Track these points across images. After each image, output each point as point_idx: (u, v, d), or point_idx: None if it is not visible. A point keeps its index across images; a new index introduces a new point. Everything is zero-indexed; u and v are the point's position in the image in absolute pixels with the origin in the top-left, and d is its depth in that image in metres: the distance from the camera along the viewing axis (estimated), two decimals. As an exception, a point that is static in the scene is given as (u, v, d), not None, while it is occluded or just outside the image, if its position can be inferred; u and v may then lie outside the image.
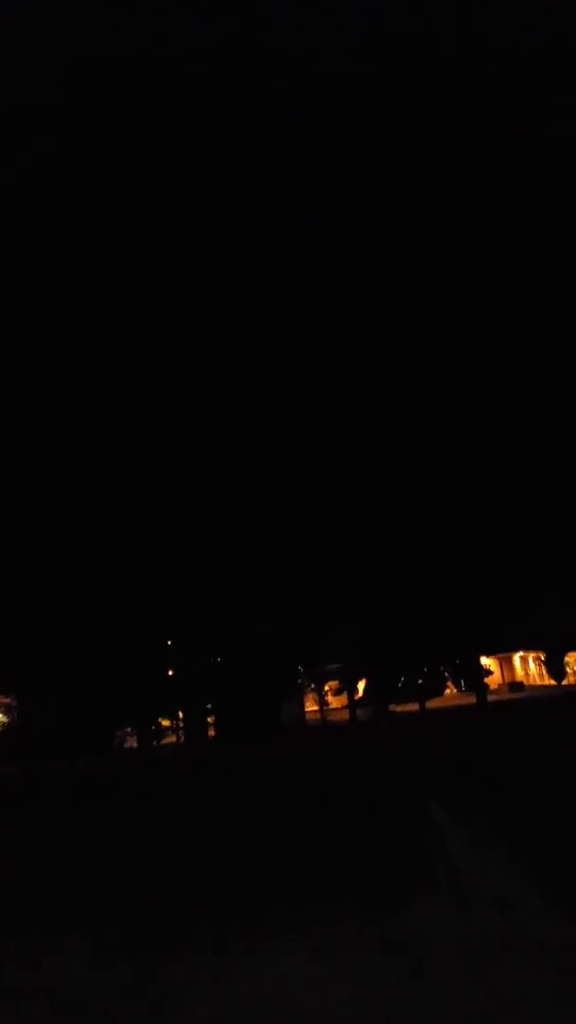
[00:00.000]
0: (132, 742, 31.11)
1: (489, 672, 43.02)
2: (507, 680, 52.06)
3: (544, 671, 50.72)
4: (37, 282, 19.42)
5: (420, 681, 36.57)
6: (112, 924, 7.86)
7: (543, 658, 50.33)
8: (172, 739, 34.06)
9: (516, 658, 53.27)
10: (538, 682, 52.21)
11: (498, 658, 51.94)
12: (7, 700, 36.39)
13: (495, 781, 13.12)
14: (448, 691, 41.65)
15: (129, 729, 31.28)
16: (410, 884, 7.77)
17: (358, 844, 10.33)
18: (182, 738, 31.09)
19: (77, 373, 20.08)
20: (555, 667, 48.55)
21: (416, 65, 19.88)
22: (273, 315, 20.58)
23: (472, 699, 37.73)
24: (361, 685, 40.52)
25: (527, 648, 51.24)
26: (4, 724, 40.31)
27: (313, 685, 43.96)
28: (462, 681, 39.71)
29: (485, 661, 46.25)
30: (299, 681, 42.90)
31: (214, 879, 9.32)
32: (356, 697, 38.85)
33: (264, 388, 21.62)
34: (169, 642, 28.45)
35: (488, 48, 20.06)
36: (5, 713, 42.31)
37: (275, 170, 19.98)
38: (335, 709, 44.95)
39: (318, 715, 44.42)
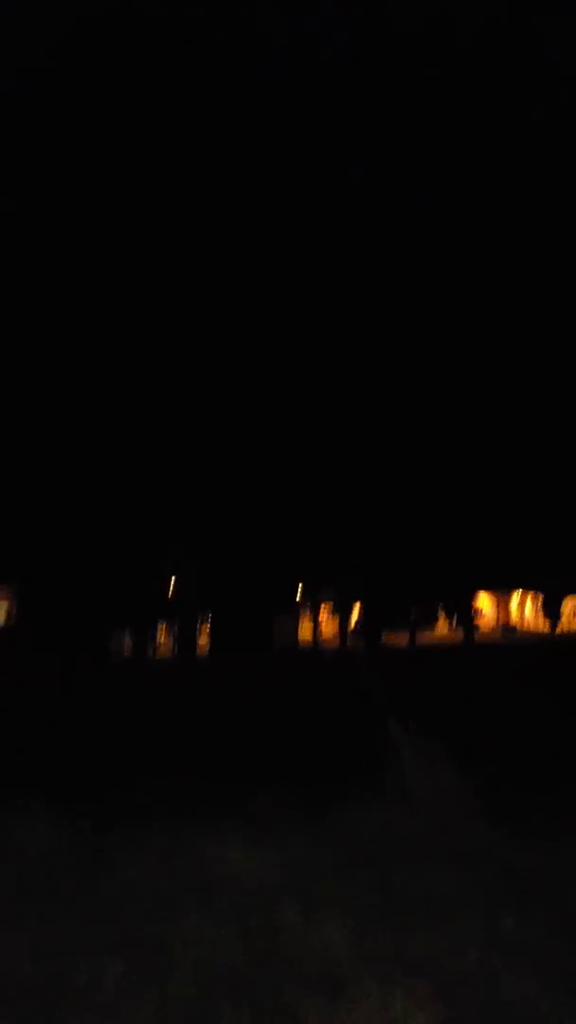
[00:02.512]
0: (127, 647, 31.96)
1: (480, 613, 43.58)
2: (502, 621, 52.67)
3: (540, 616, 51.23)
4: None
5: (413, 614, 37.18)
6: (77, 803, 8.39)
7: (540, 601, 50.77)
8: (166, 647, 35.00)
9: (513, 600, 53.76)
10: (532, 628, 52.81)
11: (495, 598, 52.44)
12: (7, 597, 37.32)
13: (460, 712, 13.61)
14: (440, 625, 42.38)
15: (125, 635, 32.11)
16: (361, 790, 8.23)
17: (318, 752, 10.85)
18: (175, 646, 31.93)
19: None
20: (551, 609, 48.83)
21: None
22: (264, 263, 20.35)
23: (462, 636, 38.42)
24: (355, 613, 41.26)
25: (525, 587, 51.48)
26: (2, 623, 41.39)
27: (308, 607, 44.74)
28: (455, 617, 40.36)
29: (481, 601, 46.84)
30: (295, 603, 43.70)
31: (175, 770, 9.86)
32: (349, 624, 39.62)
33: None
34: (167, 555, 28.98)
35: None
36: (6, 610, 43.42)
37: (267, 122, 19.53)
38: (327, 636, 45.83)
39: (311, 638, 45.31)
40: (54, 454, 22.05)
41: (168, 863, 6.36)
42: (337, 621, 42.15)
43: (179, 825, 7.30)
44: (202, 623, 35.06)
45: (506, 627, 50.58)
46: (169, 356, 21.12)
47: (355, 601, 39.56)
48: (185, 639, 27.38)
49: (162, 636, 35.86)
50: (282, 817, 7.56)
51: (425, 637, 39.62)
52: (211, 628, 39.29)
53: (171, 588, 30.41)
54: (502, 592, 51.10)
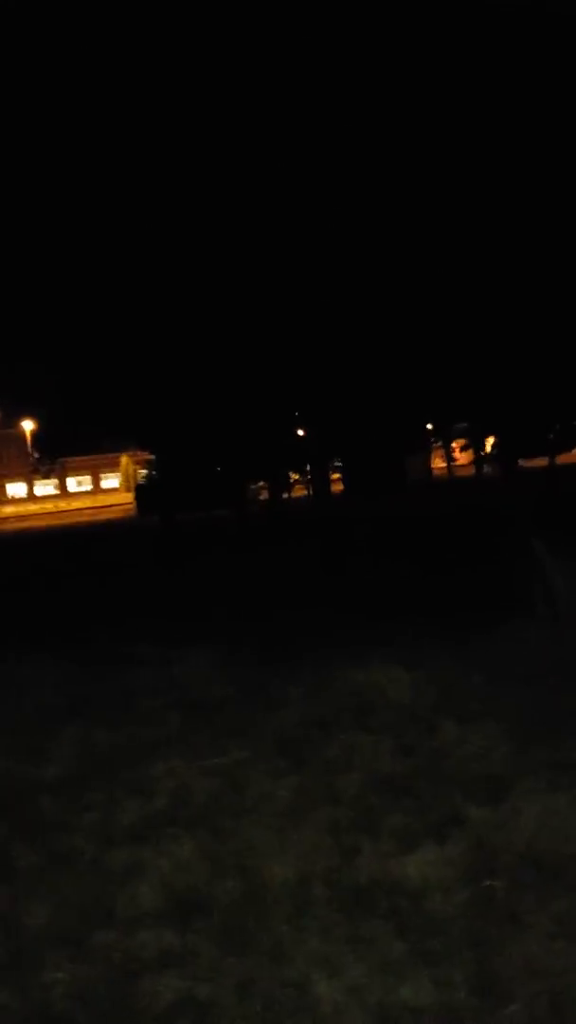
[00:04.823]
0: (265, 494, 32.63)
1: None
2: None
3: None
4: None
5: (551, 436, 35.92)
6: (232, 638, 8.79)
7: None
8: (302, 491, 35.55)
9: None
10: None
11: None
12: (149, 456, 38.51)
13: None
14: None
15: (261, 483, 32.74)
16: (509, 613, 8.22)
17: (464, 578, 10.89)
18: (309, 491, 32.34)
19: None
20: None
21: None
22: None
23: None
24: (489, 442, 40.33)
25: None
26: (145, 477, 43.00)
27: (440, 442, 44.15)
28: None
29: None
30: (429, 439, 43.17)
31: (321, 604, 10.14)
32: (483, 453, 38.88)
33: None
34: (296, 412, 29.01)
35: None
36: (147, 467, 45.00)
37: None
38: (463, 466, 45.24)
39: (445, 472, 44.96)
40: (180, 320, 21.93)
41: (323, 689, 6.60)
42: (471, 453, 41.46)
43: (329, 655, 7.53)
44: (334, 468, 35.30)
45: None
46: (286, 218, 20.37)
47: (488, 432, 38.58)
48: (318, 483, 27.63)
49: (296, 483, 36.39)
50: (432, 642, 7.68)
51: (565, 459, 38.47)
52: (343, 471, 39.50)
53: (301, 436, 30.54)
54: None
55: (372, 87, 18.65)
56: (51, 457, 35.39)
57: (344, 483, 39.30)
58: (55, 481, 68.42)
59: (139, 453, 50.32)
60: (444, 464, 45.58)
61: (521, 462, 35.25)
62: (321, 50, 18.48)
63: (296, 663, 7.45)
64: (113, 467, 78.99)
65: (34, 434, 47.17)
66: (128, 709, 6.51)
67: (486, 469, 38.67)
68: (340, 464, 38.88)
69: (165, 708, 6.46)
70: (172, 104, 18.91)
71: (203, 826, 4.39)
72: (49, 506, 65.67)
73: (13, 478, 79.34)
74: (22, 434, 63.55)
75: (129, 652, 8.37)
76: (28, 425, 54.36)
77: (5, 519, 54.42)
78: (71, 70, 18.76)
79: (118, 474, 78.37)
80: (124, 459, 73.56)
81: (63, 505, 65.84)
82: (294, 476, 34.89)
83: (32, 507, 66.94)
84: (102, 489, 80.00)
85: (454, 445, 44.61)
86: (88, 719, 6.27)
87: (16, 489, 79.72)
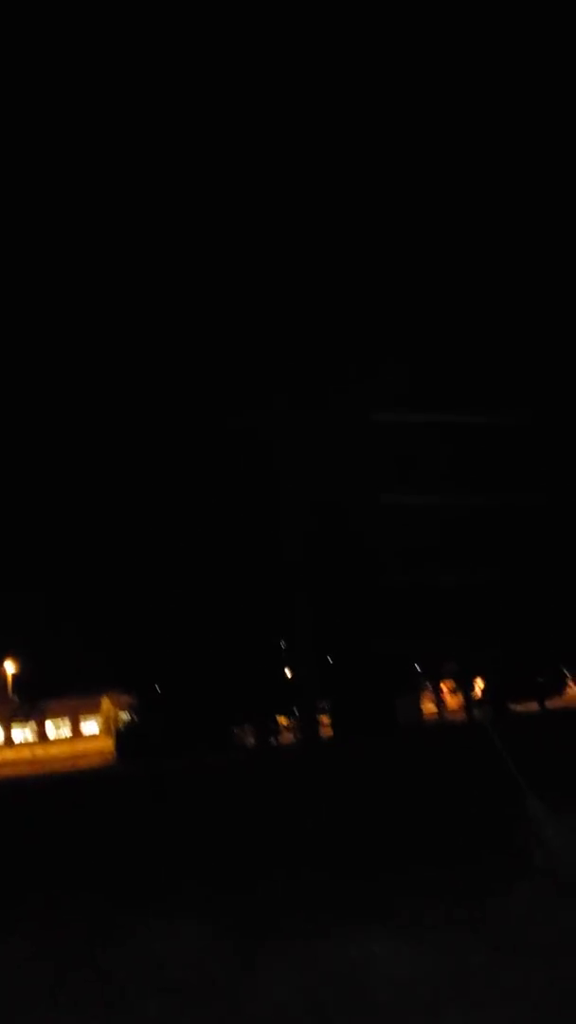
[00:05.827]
0: (250, 738, 31.78)
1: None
2: None
3: None
4: None
5: (540, 680, 35.80)
6: (218, 908, 8.23)
7: None
8: (289, 736, 34.61)
9: None
10: None
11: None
12: (129, 700, 37.86)
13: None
14: (572, 690, 40.59)
15: (246, 726, 31.99)
16: (506, 870, 7.83)
17: (454, 835, 10.40)
18: (297, 735, 31.56)
19: None
20: None
21: None
22: None
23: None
24: (478, 685, 39.99)
25: None
26: (125, 724, 41.89)
27: (429, 684, 43.74)
28: (584, 680, 38.67)
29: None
30: (416, 681, 42.77)
31: (311, 866, 9.60)
32: (474, 696, 38.46)
33: None
34: (283, 645, 29.00)
35: None
36: (129, 711, 43.95)
37: None
38: (452, 709, 44.51)
39: (436, 714, 44.13)
40: (163, 570, 22.46)
41: (314, 967, 6.13)
42: (461, 695, 41.04)
43: (323, 921, 7.06)
44: (323, 710, 34.67)
45: None
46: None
47: (477, 674, 38.48)
48: (307, 728, 27.06)
49: (284, 724, 35.54)
50: (428, 908, 7.23)
51: (556, 703, 38.04)
52: (332, 714, 38.72)
53: (289, 677, 30.30)
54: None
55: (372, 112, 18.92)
56: (31, 704, 34.82)
57: (332, 725, 38.44)
58: (33, 724, 66.68)
59: (121, 696, 49.48)
60: (434, 706, 44.88)
61: (512, 706, 34.89)
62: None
63: (286, 933, 6.95)
64: (94, 709, 77.19)
65: (15, 678, 46.60)
66: (105, 995, 5.98)
67: (476, 713, 38.05)
68: (328, 706, 38.23)
69: (144, 996, 5.93)
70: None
71: None
72: (26, 753, 63.47)
73: (-9, 721, 77.28)
74: (3, 677, 62.76)
75: (107, 923, 7.81)
76: (9, 669, 53.86)
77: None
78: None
79: (99, 717, 76.43)
80: (105, 702, 72.09)
81: (40, 753, 63.69)
82: (282, 720, 34.20)
83: (9, 754, 64.70)
84: (81, 734, 77.68)
85: (443, 687, 44.18)
86: (62, 1009, 5.75)
87: (-7, 732, 77.34)
